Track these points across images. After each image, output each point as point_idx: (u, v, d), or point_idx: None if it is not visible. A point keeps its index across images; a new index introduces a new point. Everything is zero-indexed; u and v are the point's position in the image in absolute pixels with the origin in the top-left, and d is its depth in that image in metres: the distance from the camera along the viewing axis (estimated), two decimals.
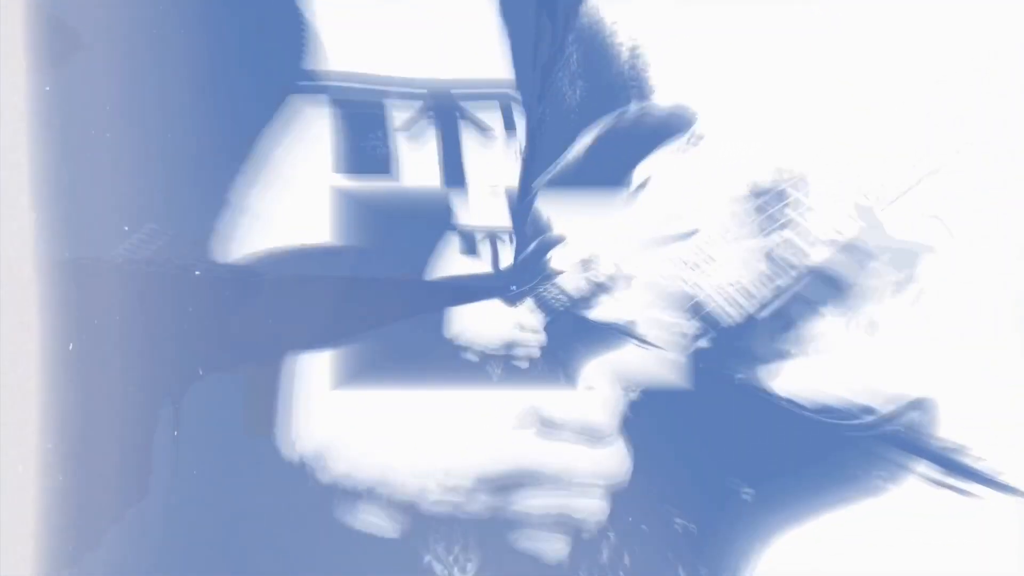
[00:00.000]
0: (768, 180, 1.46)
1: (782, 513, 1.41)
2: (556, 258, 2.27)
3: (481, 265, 2.15)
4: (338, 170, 1.75)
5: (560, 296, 2.25)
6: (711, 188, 1.61)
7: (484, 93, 1.78)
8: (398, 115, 1.79)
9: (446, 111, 1.81)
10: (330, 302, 1.92)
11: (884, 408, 1.31)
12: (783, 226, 1.42)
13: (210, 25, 1.63)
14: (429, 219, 2.01)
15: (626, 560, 1.57)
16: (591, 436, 1.78)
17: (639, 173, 1.77)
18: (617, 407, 1.79)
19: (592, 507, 1.64)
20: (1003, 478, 1.22)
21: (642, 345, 1.92)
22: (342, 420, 1.84)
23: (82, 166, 1.51)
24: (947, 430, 1.27)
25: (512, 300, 2.22)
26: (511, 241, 2.16)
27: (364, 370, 1.90)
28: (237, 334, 1.71)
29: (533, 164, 1.91)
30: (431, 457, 1.74)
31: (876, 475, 1.31)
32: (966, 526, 1.22)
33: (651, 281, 1.95)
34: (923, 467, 1.29)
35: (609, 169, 1.84)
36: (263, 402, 1.76)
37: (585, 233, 2.16)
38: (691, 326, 1.68)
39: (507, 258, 2.17)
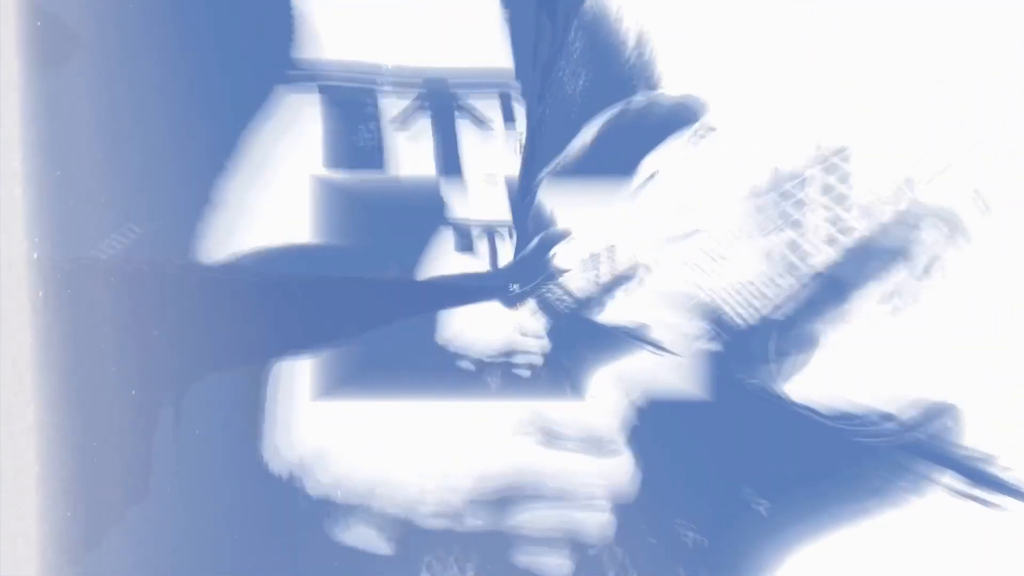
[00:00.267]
0: (785, 170, 1.50)
1: (798, 526, 1.46)
2: (561, 255, 2.28)
3: (478, 263, 2.16)
4: (328, 165, 1.79)
5: (565, 297, 2.25)
6: (723, 181, 1.65)
7: (482, 84, 1.82)
8: (392, 107, 1.84)
9: (442, 103, 1.85)
10: (312, 304, 1.95)
11: (906, 415, 1.35)
12: (797, 222, 1.47)
13: (193, 14, 1.69)
14: (421, 213, 2.02)
15: None
16: (596, 445, 1.82)
17: (647, 166, 1.80)
18: (623, 414, 1.82)
19: (597, 520, 1.68)
20: None
21: (656, 351, 1.92)
22: (327, 431, 1.90)
23: (66, 166, 1.58)
24: (973, 438, 1.31)
25: (512, 302, 2.24)
26: (511, 236, 2.18)
27: (347, 379, 1.92)
28: (214, 339, 1.77)
29: (535, 156, 1.94)
30: (425, 469, 1.78)
31: (898, 486, 1.36)
32: (992, 539, 1.26)
33: (666, 281, 1.94)
34: (948, 478, 1.33)
35: (615, 161, 1.87)
36: (248, 408, 1.81)
37: (593, 228, 2.16)
38: (703, 329, 1.73)
39: (507, 255, 2.19)
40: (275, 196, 1.84)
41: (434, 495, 1.71)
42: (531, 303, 2.21)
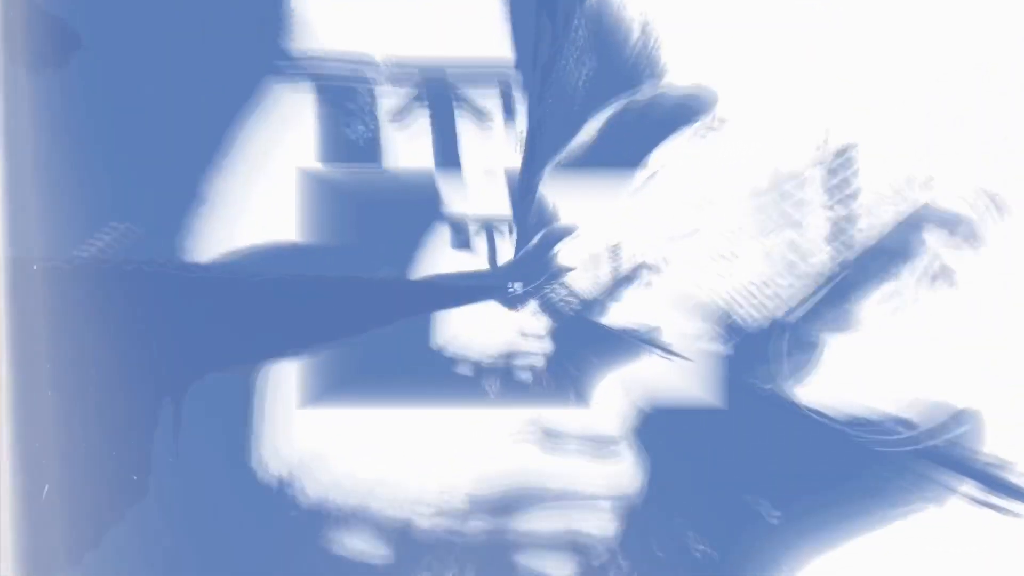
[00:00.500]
0: (797, 165, 1.58)
1: (811, 536, 1.53)
2: (564, 253, 2.33)
3: (476, 261, 2.21)
4: (320, 159, 1.88)
5: (569, 298, 2.31)
6: (735, 175, 1.73)
7: (482, 75, 1.89)
8: (387, 99, 1.91)
9: (440, 95, 1.92)
10: (298, 305, 1.99)
11: (923, 421, 1.42)
12: (805, 221, 1.54)
13: (177, 3, 1.78)
14: (415, 208, 2.06)
15: None
16: (600, 449, 1.89)
17: (655, 159, 1.88)
18: (628, 417, 1.91)
19: (601, 529, 1.76)
20: None
21: (666, 355, 1.99)
22: (316, 437, 1.93)
23: (41, 162, 1.67)
24: (993, 445, 1.38)
25: (512, 302, 2.29)
26: (511, 232, 2.23)
27: (336, 385, 1.97)
28: (198, 342, 1.86)
29: (536, 149, 2.01)
30: (421, 475, 1.87)
31: (914, 494, 1.42)
32: (1012, 549, 1.33)
33: (676, 280, 2.01)
34: (967, 486, 1.40)
35: (621, 155, 1.95)
36: (237, 414, 1.91)
37: (599, 223, 2.21)
38: (713, 331, 1.80)
39: (507, 253, 2.23)
40: (265, 192, 1.93)
41: (433, 500, 1.79)
42: (533, 304, 2.29)
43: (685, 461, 1.74)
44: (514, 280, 2.20)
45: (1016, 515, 1.32)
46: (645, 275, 2.09)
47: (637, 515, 1.76)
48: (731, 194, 1.68)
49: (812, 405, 1.54)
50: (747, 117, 1.63)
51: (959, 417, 1.39)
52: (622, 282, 2.17)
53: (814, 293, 1.51)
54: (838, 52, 1.47)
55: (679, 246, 1.96)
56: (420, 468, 1.87)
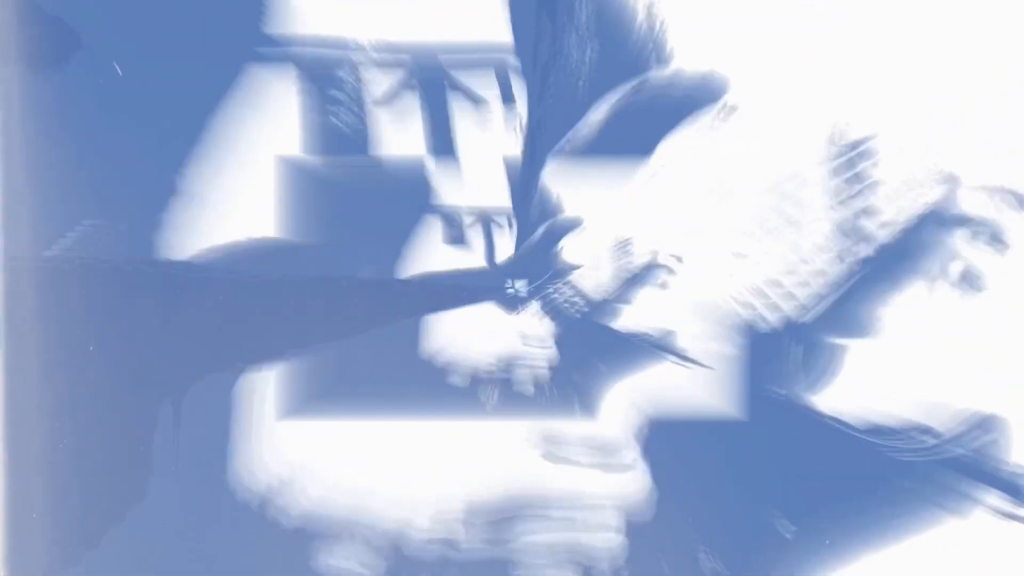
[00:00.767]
0: (812, 156, 1.65)
1: (828, 552, 1.61)
2: (570, 249, 2.36)
3: (471, 258, 2.22)
4: (304, 149, 1.95)
5: (575, 299, 2.35)
6: (749, 166, 1.80)
7: (477, 60, 1.95)
8: (375, 86, 1.96)
9: (432, 81, 1.98)
10: (276, 307, 2.02)
11: (947, 429, 1.50)
12: (826, 211, 1.61)
13: None
14: (403, 198, 2.07)
15: None
16: (607, 462, 1.95)
17: (666, 148, 1.95)
18: (637, 425, 1.98)
19: (606, 543, 1.83)
20: None
21: (682, 362, 2.01)
22: (298, 451, 1.98)
23: (19, 158, 1.75)
24: (1020, 453, 1.45)
25: (512, 304, 2.33)
26: (510, 226, 2.23)
27: (316, 397, 2.01)
28: (175, 345, 1.93)
29: (538, 136, 2.07)
30: (414, 488, 1.93)
31: (938, 507, 1.50)
32: None
33: (694, 279, 2.03)
34: (993, 497, 1.47)
35: (629, 143, 2.01)
36: (215, 423, 1.98)
37: (607, 216, 2.24)
38: (727, 334, 1.88)
39: (505, 248, 2.23)
40: (244, 185, 2.01)
41: (427, 515, 1.87)
42: (534, 306, 2.31)
43: (696, 473, 1.81)
44: (514, 279, 2.22)
45: None
46: (659, 274, 2.13)
47: (645, 531, 1.83)
48: (748, 185, 1.75)
49: (829, 412, 1.61)
50: (760, 105, 1.70)
51: (985, 424, 1.46)
52: (633, 281, 2.20)
53: (831, 293, 1.59)
54: (856, 34, 1.54)
55: (696, 241, 2.00)
56: (413, 482, 1.93)
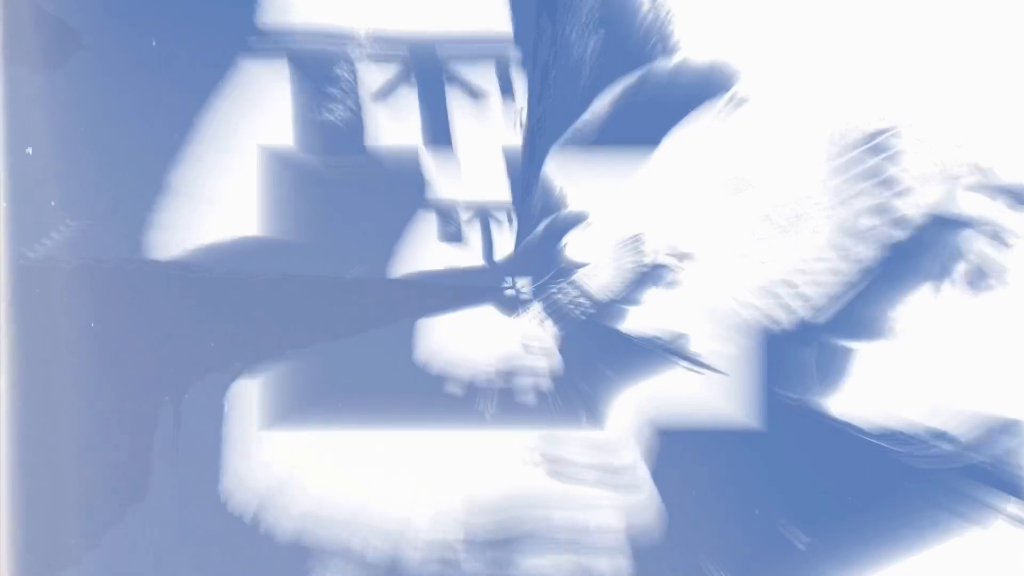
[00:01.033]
0: (822, 150, 1.74)
1: (843, 564, 1.69)
2: (574, 245, 2.34)
3: (468, 256, 2.23)
4: (296, 144, 2.03)
5: (581, 300, 2.37)
6: (760, 161, 1.89)
7: (476, 51, 2.08)
8: (372, 79, 2.04)
9: (430, 73, 2.11)
10: (260, 310, 2.05)
11: (964, 434, 1.59)
12: (841, 207, 1.71)
13: None
14: (395, 192, 2.08)
15: None
16: (614, 476, 1.97)
17: (671, 143, 2.00)
18: (645, 439, 2.00)
19: (614, 565, 1.87)
20: None
21: (696, 368, 2.03)
22: (281, 463, 2.04)
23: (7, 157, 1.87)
24: None
25: (512, 306, 2.34)
26: (510, 222, 2.22)
27: (303, 405, 2.05)
28: (156, 347, 1.97)
29: (539, 126, 2.09)
30: (410, 504, 1.95)
31: (956, 516, 1.59)
32: None
33: (708, 279, 2.03)
34: (1014, 506, 1.55)
35: (636, 135, 2.05)
36: (199, 432, 2.03)
37: (614, 210, 2.22)
38: (740, 337, 1.94)
39: (505, 246, 2.23)
40: (230, 181, 2.07)
41: (422, 536, 1.91)
42: (536, 308, 2.31)
43: (709, 487, 1.87)
44: (514, 278, 2.23)
45: None
46: (670, 272, 2.13)
47: (653, 548, 1.88)
48: (763, 178, 1.82)
49: (843, 418, 1.69)
50: (771, 96, 1.80)
51: (1004, 430, 1.55)
52: (642, 281, 2.21)
53: (845, 294, 1.68)
54: (869, 22, 1.63)
55: (710, 237, 2.00)
56: (405, 499, 1.94)
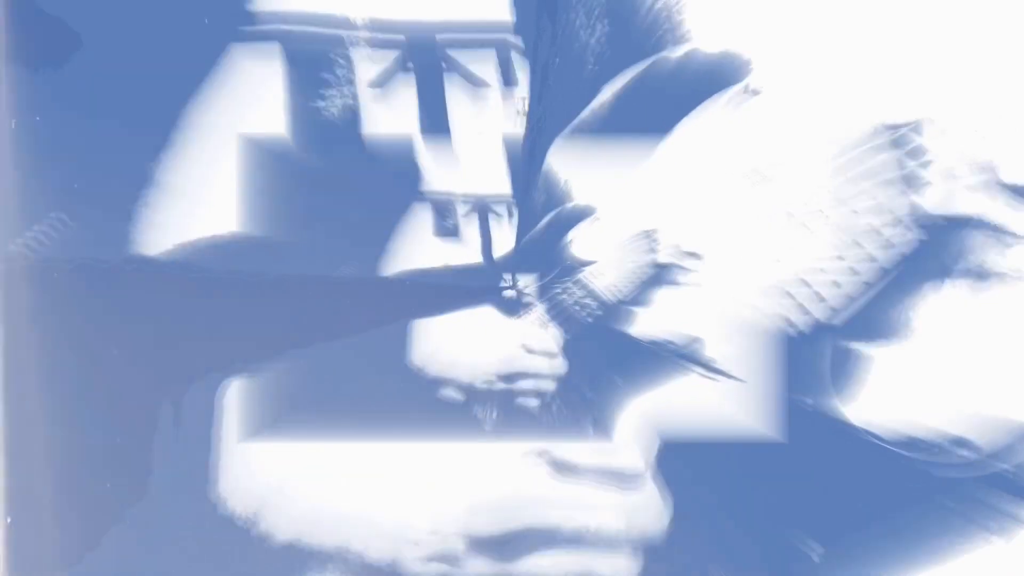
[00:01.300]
0: (838, 145, 1.81)
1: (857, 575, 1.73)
2: (579, 241, 2.39)
3: (465, 252, 2.29)
4: (289, 137, 2.09)
5: (587, 300, 2.37)
6: (773, 155, 1.94)
7: (476, 39, 2.08)
8: (368, 67, 2.08)
9: (428, 62, 2.17)
10: (244, 311, 2.08)
11: (987, 442, 1.64)
12: (858, 202, 1.77)
13: None
14: (387, 185, 2.13)
15: None
16: (618, 479, 2.00)
17: (684, 133, 2.04)
18: (651, 440, 2.02)
19: (620, 569, 1.91)
20: None
21: (711, 375, 2.03)
22: (265, 476, 2.06)
23: None
24: None
25: (513, 307, 2.34)
26: (511, 215, 2.29)
27: (288, 413, 2.09)
28: (140, 349, 2.01)
29: (542, 115, 2.11)
30: (409, 509, 1.99)
31: (978, 526, 1.64)
32: None
33: (724, 279, 2.03)
34: None
35: (645, 126, 2.06)
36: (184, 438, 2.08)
37: (624, 204, 2.29)
38: (755, 341, 1.98)
39: (505, 242, 2.31)
40: (214, 175, 2.12)
41: (422, 540, 1.96)
42: (539, 309, 2.35)
43: (712, 491, 1.92)
44: (515, 277, 2.20)
45: None
46: (683, 272, 2.12)
47: (660, 553, 1.91)
48: (784, 172, 1.86)
49: (861, 424, 1.74)
50: (786, 88, 1.86)
51: None
52: (653, 280, 2.22)
53: (862, 295, 1.74)
54: (889, 13, 1.69)
55: (726, 234, 2.00)
56: (407, 500, 1.95)
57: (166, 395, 2.09)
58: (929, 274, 1.71)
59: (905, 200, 1.75)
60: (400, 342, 2.13)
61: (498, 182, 2.15)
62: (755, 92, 1.94)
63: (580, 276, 2.24)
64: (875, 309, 1.79)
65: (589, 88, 2.11)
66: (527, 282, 2.21)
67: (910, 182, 1.76)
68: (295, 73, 2.12)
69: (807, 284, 1.89)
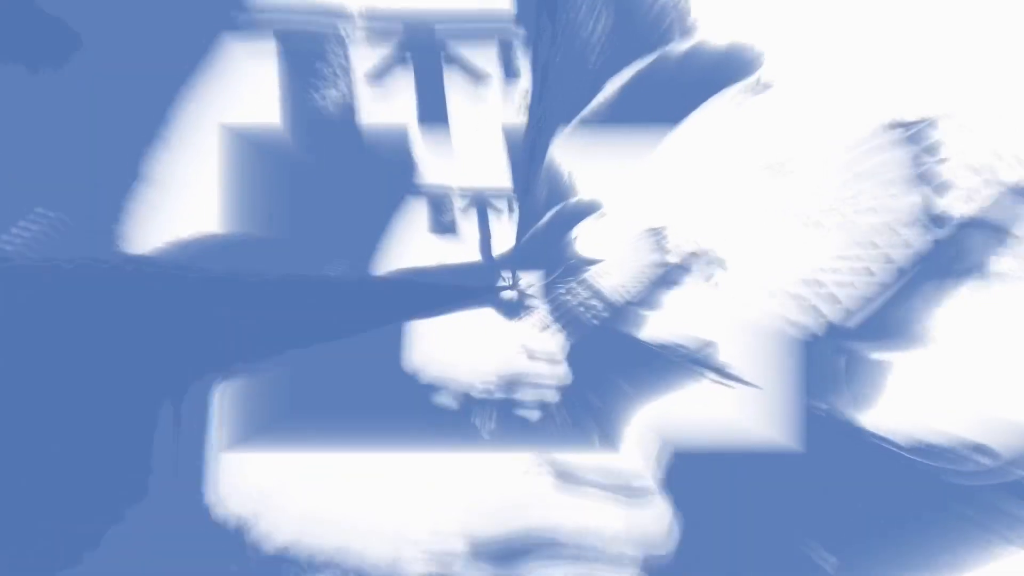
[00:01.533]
0: (851, 141, 1.87)
1: None
2: (585, 238, 2.41)
3: (463, 250, 2.34)
4: (285, 129, 2.16)
5: (592, 302, 2.38)
6: (787, 150, 2.01)
7: (476, 30, 2.13)
8: (364, 59, 2.15)
9: (428, 52, 2.15)
10: (230, 311, 2.13)
11: (1006, 449, 1.69)
12: (873, 200, 1.83)
13: None
14: (381, 178, 2.16)
15: None
16: (624, 490, 2.04)
17: (696, 125, 2.10)
18: (659, 452, 2.07)
19: None
20: None
21: (724, 381, 2.05)
22: (251, 486, 2.11)
23: None
24: None
25: (514, 308, 2.34)
26: (511, 211, 2.36)
27: (276, 420, 2.15)
28: (126, 351, 2.06)
29: (545, 106, 2.16)
30: (408, 517, 2.02)
31: (997, 535, 1.69)
32: None
33: (740, 278, 2.04)
34: None
35: (653, 117, 2.10)
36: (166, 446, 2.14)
37: (631, 199, 2.22)
38: (770, 345, 2.04)
39: (505, 238, 2.36)
40: (197, 168, 2.19)
41: (421, 550, 2.02)
42: (542, 310, 2.39)
43: (722, 501, 1.98)
44: (516, 276, 2.20)
45: None
46: (695, 271, 2.14)
47: (667, 567, 1.96)
48: (802, 166, 1.91)
49: (877, 431, 1.79)
50: (799, 82, 1.92)
51: None
52: (664, 281, 2.27)
53: (877, 296, 1.79)
54: (904, 4, 1.75)
55: (740, 232, 2.02)
56: (405, 507, 1.98)
57: (153, 400, 2.15)
58: (948, 275, 1.77)
59: (922, 198, 1.81)
60: (394, 345, 2.15)
61: (498, 175, 2.16)
62: (766, 86, 2.00)
63: (585, 276, 2.26)
64: (892, 312, 1.85)
65: (592, 84, 2.17)
66: (529, 282, 2.23)
67: (927, 179, 1.82)
68: (290, 64, 2.19)
69: (821, 284, 1.94)
